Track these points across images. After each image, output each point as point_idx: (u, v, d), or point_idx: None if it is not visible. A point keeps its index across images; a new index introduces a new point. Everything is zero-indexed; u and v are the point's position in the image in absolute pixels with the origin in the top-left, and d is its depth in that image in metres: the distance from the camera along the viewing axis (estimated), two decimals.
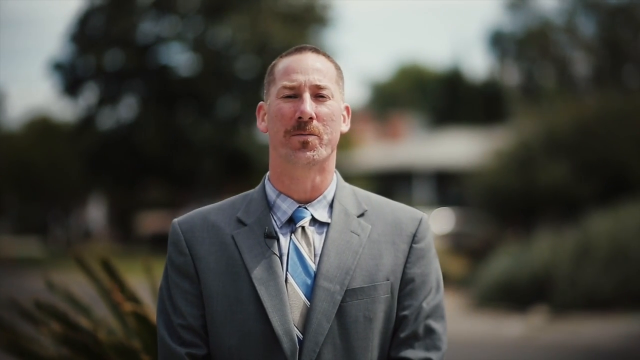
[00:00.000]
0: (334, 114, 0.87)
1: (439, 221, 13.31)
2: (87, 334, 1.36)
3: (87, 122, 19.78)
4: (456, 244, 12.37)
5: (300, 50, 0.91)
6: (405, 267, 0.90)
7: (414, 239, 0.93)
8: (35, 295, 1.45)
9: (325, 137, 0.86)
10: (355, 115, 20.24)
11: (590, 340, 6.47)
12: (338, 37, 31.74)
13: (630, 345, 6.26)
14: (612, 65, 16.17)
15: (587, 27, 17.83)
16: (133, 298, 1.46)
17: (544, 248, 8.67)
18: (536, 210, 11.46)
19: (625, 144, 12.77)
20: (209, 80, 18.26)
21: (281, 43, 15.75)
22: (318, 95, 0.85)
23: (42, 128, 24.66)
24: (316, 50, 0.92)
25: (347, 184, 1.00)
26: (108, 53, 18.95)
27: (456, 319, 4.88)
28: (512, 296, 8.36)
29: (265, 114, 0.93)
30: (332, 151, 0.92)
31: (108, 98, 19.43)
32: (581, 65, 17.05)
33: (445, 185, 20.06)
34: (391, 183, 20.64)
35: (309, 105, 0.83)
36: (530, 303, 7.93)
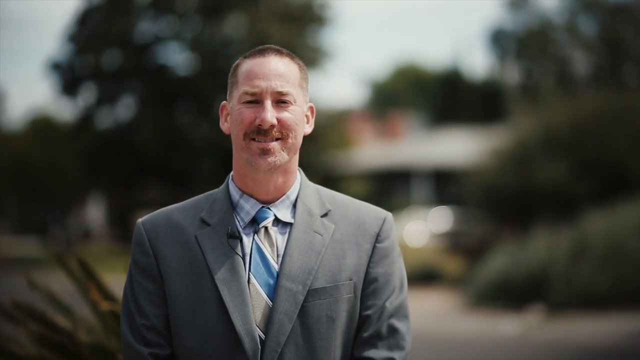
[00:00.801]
0: (297, 119, 0.86)
1: (437, 220, 13.29)
2: (64, 333, 1.37)
3: (85, 122, 19.79)
4: (454, 242, 12.38)
5: (262, 52, 0.87)
6: (368, 266, 0.89)
7: (378, 238, 0.92)
8: (13, 295, 1.45)
9: (288, 141, 0.85)
10: (354, 115, 20.22)
11: (587, 339, 6.47)
12: (336, 36, 31.73)
13: (627, 343, 6.26)
14: (612, 65, 16.13)
15: (587, 26, 17.75)
16: (111, 297, 1.47)
17: (540, 247, 8.68)
18: (533, 209, 11.48)
19: (622, 143, 12.77)
20: (206, 80, 18.27)
21: (279, 42, 15.72)
22: (280, 101, 0.84)
23: (41, 128, 24.71)
24: (279, 52, 0.88)
25: (311, 184, 0.99)
26: (106, 53, 18.97)
27: (453, 318, 4.88)
28: (509, 295, 8.38)
29: (228, 114, 0.91)
30: (294, 154, 0.90)
31: (106, 98, 19.44)
32: (581, 64, 17.01)
33: (444, 184, 20.03)
34: (390, 182, 20.61)
35: (269, 113, 0.81)
36: (526, 302, 7.95)
